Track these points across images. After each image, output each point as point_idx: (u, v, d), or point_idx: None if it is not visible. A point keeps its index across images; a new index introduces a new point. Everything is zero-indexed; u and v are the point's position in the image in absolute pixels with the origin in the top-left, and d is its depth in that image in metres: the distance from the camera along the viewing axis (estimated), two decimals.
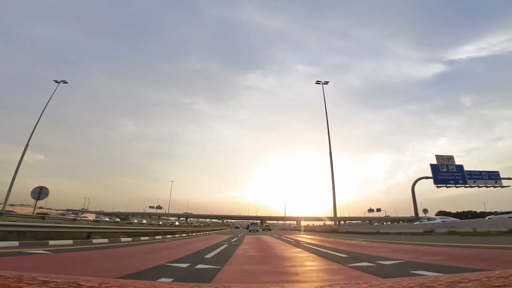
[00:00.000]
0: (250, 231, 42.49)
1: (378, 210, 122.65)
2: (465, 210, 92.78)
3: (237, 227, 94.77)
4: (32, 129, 31.32)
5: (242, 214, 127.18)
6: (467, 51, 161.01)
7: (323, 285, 0.69)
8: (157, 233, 17.78)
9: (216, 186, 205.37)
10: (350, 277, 3.94)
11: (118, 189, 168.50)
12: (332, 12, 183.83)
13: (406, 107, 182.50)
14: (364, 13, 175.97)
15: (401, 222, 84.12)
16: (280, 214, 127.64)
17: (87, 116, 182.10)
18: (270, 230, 51.03)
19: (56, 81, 34.08)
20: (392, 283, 0.66)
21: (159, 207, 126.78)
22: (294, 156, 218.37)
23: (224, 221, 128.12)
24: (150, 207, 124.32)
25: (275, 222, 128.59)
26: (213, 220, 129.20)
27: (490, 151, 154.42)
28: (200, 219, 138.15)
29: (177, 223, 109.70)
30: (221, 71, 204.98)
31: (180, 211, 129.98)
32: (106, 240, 10.82)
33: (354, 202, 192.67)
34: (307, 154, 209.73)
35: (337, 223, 35.08)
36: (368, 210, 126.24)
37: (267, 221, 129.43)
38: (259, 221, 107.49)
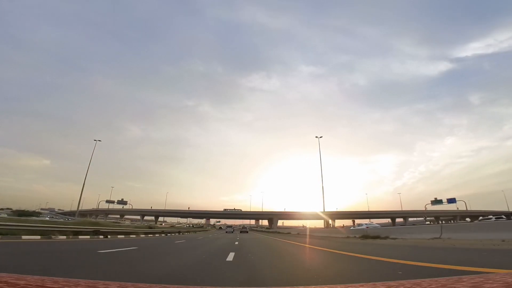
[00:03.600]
0: (226, 232, 43.37)
1: (451, 200, 79.34)
2: None
3: (220, 228, 75.06)
4: None
5: (238, 209, 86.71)
6: (474, 48, 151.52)
7: (339, 286, 0.70)
8: None
9: (222, 189, 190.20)
10: None
11: (125, 193, 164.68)
12: (337, 10, 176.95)
13: (414, 106, 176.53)
14: (369, 11, 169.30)
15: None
16: (298, 212, 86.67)
17: (93, 121, 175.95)
18: (247, 232, 43.94)
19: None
20: (411, 284, 0.64)
21: (122, 202, 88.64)
22: (301, 157, 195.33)
23: (210, 221, 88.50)
24: (108, 201, 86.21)
25: (281, 223, 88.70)
26: (198, 221, 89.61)
27: (500, 150, 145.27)
28: (190, 219, 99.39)
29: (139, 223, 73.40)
30: (224, 72, 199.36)
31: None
32: None
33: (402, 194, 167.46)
34: (313, 155, 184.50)
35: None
36: (432, 201, 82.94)
37: (279, 220, 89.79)
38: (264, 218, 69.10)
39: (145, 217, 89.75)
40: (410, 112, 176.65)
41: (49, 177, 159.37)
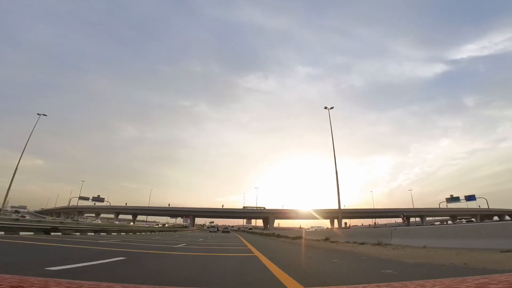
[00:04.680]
0: (210, 231, 45.30)
1: (470, 198, 70.21)
2: None
3: (208, 227, 64.40)
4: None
5: (226, 207, 76.59)
6: (469, 50, 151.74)
7: None
8: None
9: (217, 190, 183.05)
10: None
11: (119, 194, 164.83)
12: (334, 11, 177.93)
13: (409, 107, 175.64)
14: (365, 12, 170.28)
15: None
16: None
17: (88, 121, 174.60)
18: (229, 232, 46.83)
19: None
20: (415, 285, 0.63)
21: (98, 199, 78.30)
22: (298, 158, 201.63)
23: (198, 221, 78.29)
24: (82, 197, 75.79)
25: (277, 224, 79.10)
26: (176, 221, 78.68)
27: (494, 152, 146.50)
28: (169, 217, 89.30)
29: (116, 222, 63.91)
30: (221, 73, 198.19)
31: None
32: None
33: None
34: (311, 156, 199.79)
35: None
36: (448, 199, 73.85)
37: (276, 220, 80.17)
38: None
39: (122, 216, 79.47)
40: (405, 113, 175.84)
41: (42, 177, 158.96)
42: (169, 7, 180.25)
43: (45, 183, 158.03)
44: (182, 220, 76.89)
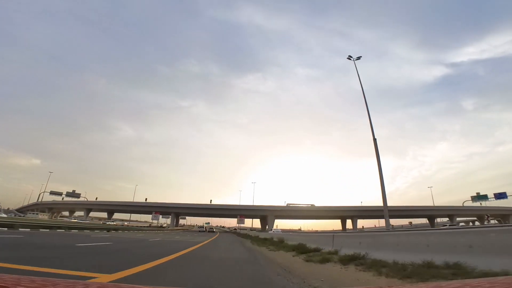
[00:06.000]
0: (199, 231, 49.12)
1: (501, 195, 60.69)
2: None
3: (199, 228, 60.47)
4: None
5: (216, 203, 67.01)
6: (469, 53, 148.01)
7: None
8: None
9: (212, 192, 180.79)
10: None
11: (116, 194, 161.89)
12: (334, 13, 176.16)
13: (408, 110, 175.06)
14: (365, 14, 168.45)
15: None
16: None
17: (85, 120, 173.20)
18: (214, 232, 51.81)
19: None
20: None
21: (73, 194, 68.90)
22: (298, 158, 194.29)
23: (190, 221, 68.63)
24: (54, 192, 66.40)
25: (275, 226, 70.07)
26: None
27: (491, 156, 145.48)
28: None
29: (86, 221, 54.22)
30: (220, 74, 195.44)
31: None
32: None
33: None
34: (311, 156, 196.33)
35: None
36: (473, 197, 64.34)
37: (276, 220, 70.66)
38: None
39: (96, 213, 70.11)
40: (404, 116, 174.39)
41: (39, 177, 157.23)
42: (168, 7, 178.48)
43: (41, 182, 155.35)
44: (155, 218, 64.81)
